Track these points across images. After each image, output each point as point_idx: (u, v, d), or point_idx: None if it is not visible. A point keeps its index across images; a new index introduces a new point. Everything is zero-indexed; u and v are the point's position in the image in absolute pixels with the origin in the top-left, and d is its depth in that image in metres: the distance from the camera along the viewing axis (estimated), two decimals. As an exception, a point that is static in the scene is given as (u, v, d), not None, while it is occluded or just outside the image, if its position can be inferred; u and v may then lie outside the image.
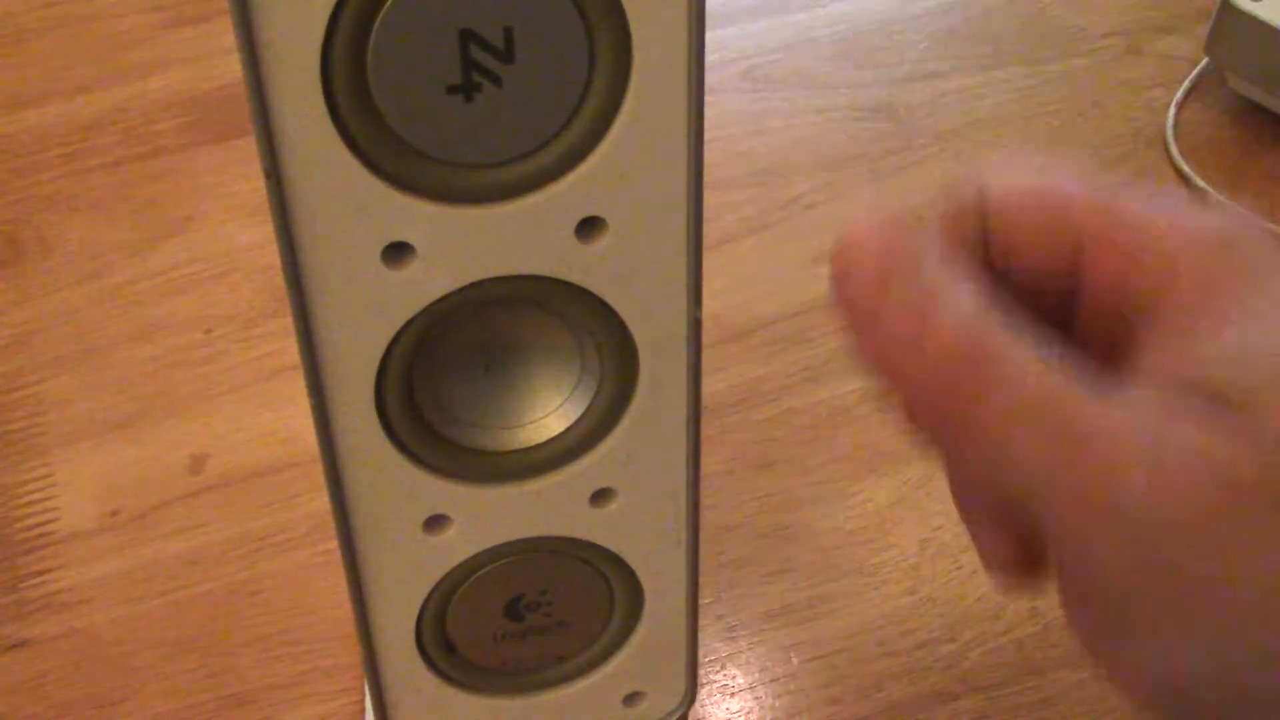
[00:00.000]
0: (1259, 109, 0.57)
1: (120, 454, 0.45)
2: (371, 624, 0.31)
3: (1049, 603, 0.40)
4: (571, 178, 0.25)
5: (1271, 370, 0.21)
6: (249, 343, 0.48)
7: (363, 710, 0.39)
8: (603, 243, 0.26)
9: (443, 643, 0.33)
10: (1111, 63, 0.60)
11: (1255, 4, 0.53)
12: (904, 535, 0.43)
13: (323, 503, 0.29)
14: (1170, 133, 0.56)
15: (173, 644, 0.40)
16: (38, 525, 0.43)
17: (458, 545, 0.30)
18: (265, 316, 0.49)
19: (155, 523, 0.43)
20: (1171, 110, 0.57)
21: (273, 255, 0.25)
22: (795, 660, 0.40)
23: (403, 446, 0.28)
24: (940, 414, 0.22)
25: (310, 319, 0.25)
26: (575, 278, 0.26)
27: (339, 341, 0.26)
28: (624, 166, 0.25)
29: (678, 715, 0.36)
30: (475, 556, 0.31)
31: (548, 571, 0.32)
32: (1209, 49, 0.57)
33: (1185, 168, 0.55)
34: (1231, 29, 0.55)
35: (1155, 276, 0.23)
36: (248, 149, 0.55)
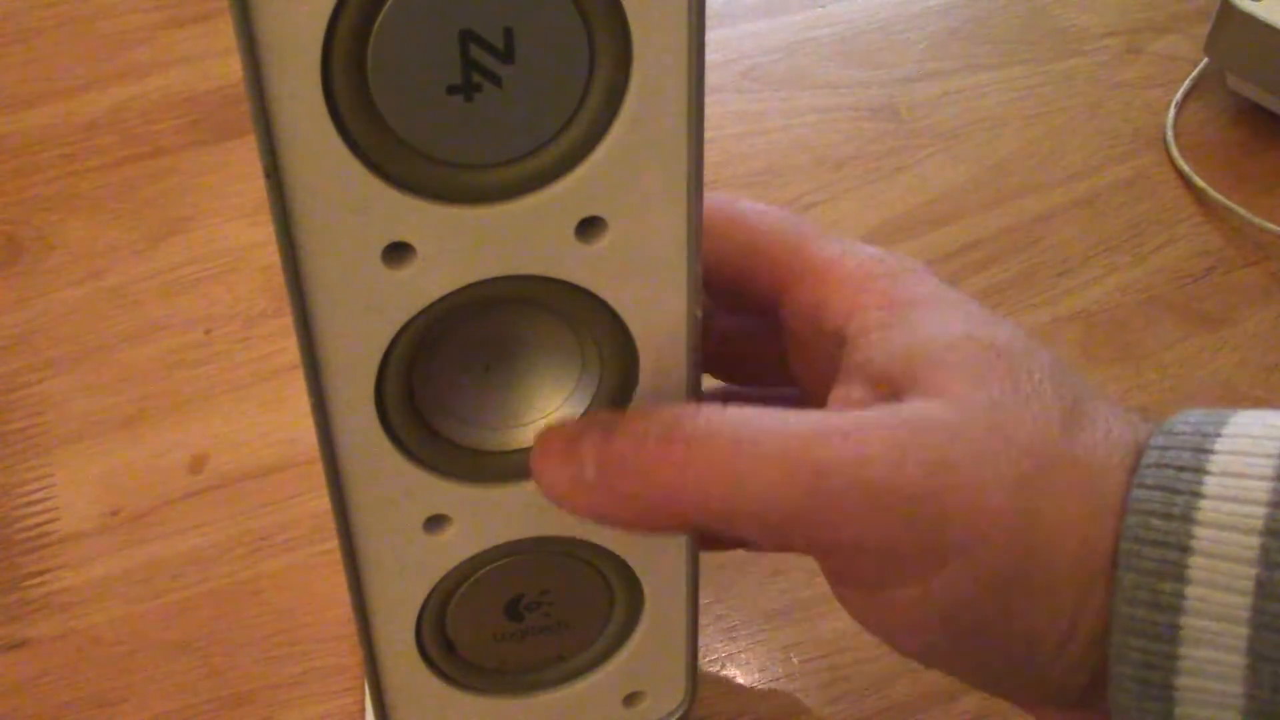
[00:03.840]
0: (1259, 109, 0.57)
1: (120, 454, 0.45)
2: (371, 624, 0.31)
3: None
4: (571, 178, 0.25)
5: (930, 352, 0.26)
6: (249, 343, 0.48)
7: (363, 710, 0.39)
8: (603, 243, 0.26)
9: (443, 643, 0.33)
10: (1111, 63, 0.60)
11: (1255, 4, 0.53)
12: (904, 535, 0.43)
13: (323, 503, 0.29)
14: (1170, 133, 0.56)
15: (173, 644, 0.40)
16: (38, 525, 0.43)
17: (458, 545, 0.30)
18: (265, 316, 0.49)
19: (155, 523, 0.43)
20: (1171, 110, 0.57)
21: (273, 255, 0.25)
22: (795, 660, 0.40)
23: (403, 446, 0.28)
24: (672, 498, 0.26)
25: (310, 319, 0.25)
26: (575, 278, 0.26)
27: (339, 341, 0.26)
28: (624, 166, 0.25)
29: (678, 715, 0.36)
30: (475, 556, 0.31)
31: (548, 571, 0.32)
32: (1209, 49, 0.57)
33: (1185, 168, 0.55)
34: (1231, 29, 0.55)
35: (844, 308, 0.28)
36: (248, 149, 0.55)
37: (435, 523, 0.30)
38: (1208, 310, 0.50)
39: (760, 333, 0.32)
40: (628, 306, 0.27)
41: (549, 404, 0.29)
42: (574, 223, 0.25)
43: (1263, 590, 0.23)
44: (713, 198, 0.28)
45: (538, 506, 0.30)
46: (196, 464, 0.45)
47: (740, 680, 0.40)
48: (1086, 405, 0.26)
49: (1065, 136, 0.57)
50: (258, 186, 0.24)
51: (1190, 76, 0.59)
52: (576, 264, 0.26)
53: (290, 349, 0.26)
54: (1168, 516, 0.24)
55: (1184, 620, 0.24)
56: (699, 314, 0.28)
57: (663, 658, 0.35)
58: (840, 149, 0.56)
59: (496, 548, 0.31)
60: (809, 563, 0.28)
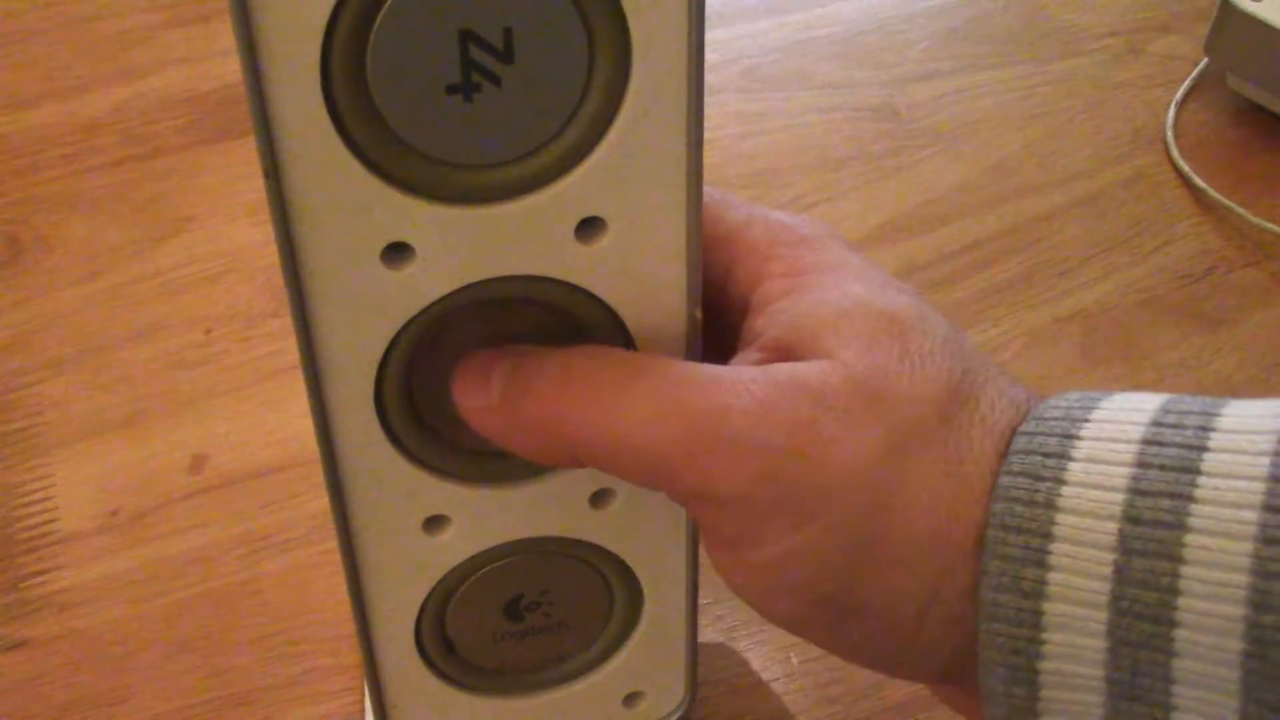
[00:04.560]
0: (1259, 109, 0.57)
1: (120, 454, 0.45)
2: (371, 624, 0.31)
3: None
4: (571, 178, 0.25)
5: (823, 318, 0.27)
6: (249, 343, 0.48)
7: (363, 710, 0.39)
8: (603, 243, 0.26)
9: (442, 643, 0.33)
10: (1111, 63, 0.60)
11: (1255, 4, 0.53)
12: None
13: (323, 503, 0.29)
14: (1170, 133, 0.56)
15: (173, 644, 0.40)
16: (38, 525, 0.43)
17: (458, 545, 0.30)
18: (265, 316, 0.49)
19: (155, 523, 0.43)
20: (1171, 110, 0.57)
21: (273, 255, 0.25)
22: (795, 660, 0.40)
23: (402, 446, 0.28)
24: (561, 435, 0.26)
25: (310, 319, 0.25)
26: (575, 278, 0.26)
27: (339, 341, 0.26)
28: (624, 166, 0.25)
29: (678, 715, 0.36)
30: (475, 556, 0.31)
31: (548, 571, 0.32)
32: (1209, 49, 0.57)
33: (1185, 168, 0.55)
34: (1231, 29, 0.55)
35: (750, 276, 0.29)
36: (248, 149, 0.55)
37: (435, 523, 0.30)
38: (1208, 310, 0.50)
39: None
40: (627, 306, 0.27)
41: None
42: (574, 223, 0.25)
43: (1120, 576, 0.23)
44: None
45: (538, 507, 0.30)
46: (196, 464, 0.45)
47: (740, 680, 0.40)
48: (974, 383, 0.26)
49: (1065, 136, 0.57)
50: (258, 186, 0.24)
51: (1190, 76, 0.59)
52: (576, 264, 0.26)
53: (290, 349, 0.26)
54: (1031, 503, 0.24)
55: (1046, 606, 0.24)
56: (698, 314, 0.28)
57: (663, 658, 0.35)
58: (840, 149, 0.56)
59: (496, 548, 0.31)
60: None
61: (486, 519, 0.30)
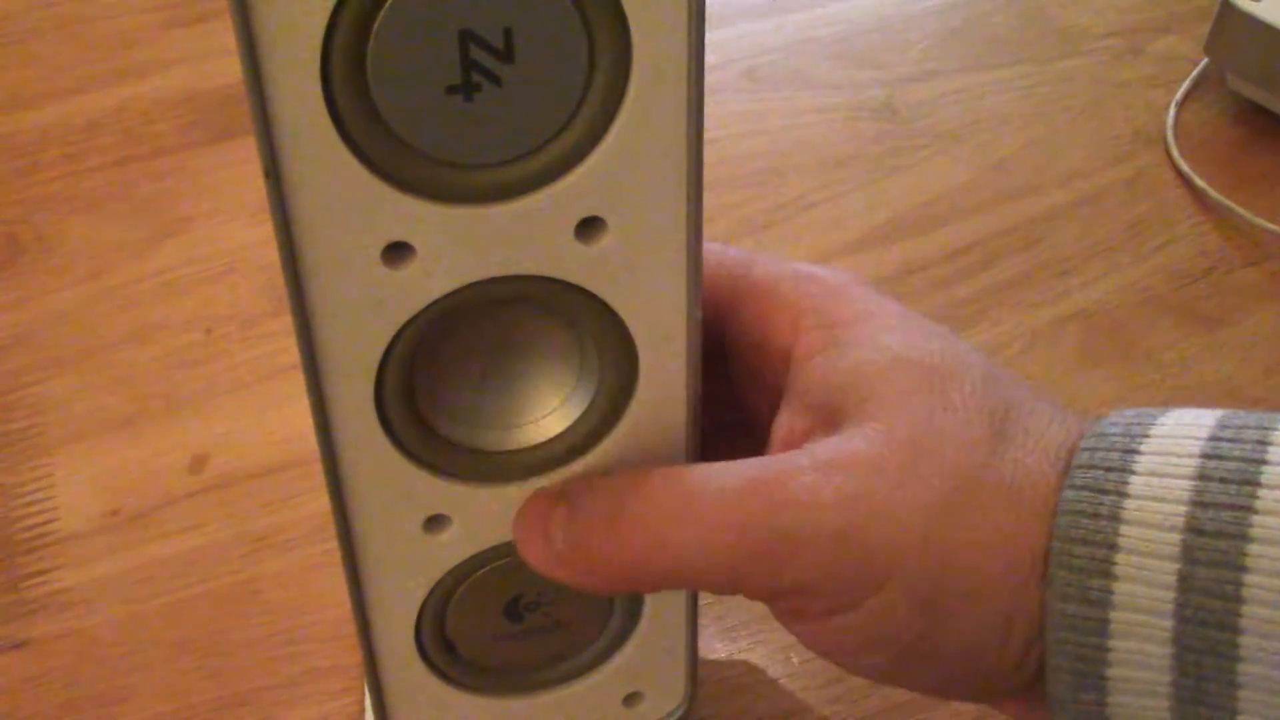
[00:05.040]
0: (1259, 109, 0.57)
1: (120, 454, 0.45)
2: (371, 623, 0.31)
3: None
4: (571, 177, 0.25)
5: (863, 377, 0.27)
6: (249, 343, 0.48)
7: (362, 711, 0.39)
8: (603, 243, 0.26)
9: (443, 643, 0.33)
10: (1111, 63, 0.60)
11: (1255, 4, 0.53)
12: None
13: (323, 503, 0.29)
14: (1170, 133, 0.56)
15: (173, 644, 0.40)
16: (38, 525, 0.43)
17: (458, 545, 0.30)
18: (265, 316, 0.49)
19: (155, 523, 0.43)
20: (1171, 110, 0.57)
21: (273, 255, 0.25)
22: (795, 660, 0.40)
23: (403, 446, 0.28)
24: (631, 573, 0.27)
25: (310, 318, 0.25)
26: (575, 278, 0.26)
27: (339, 340, 0.26)
28: (624, 166, 0.25)
29: (677, 715, 0.36)
30: (475, 556, 0.31)
31: None
32: (1209, 49, 0.57)
33: (1185, 168, 0.55)
34: (1231, 29, 0.55)
35: (786, 329, 0.29)
36: (248, 149, 0.55)
37: (435, 523, 0.30)
38: (1207, 310, 0.50)
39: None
40: (627, 307, 0.27)
41: (549, 404, 0.29)
42: (574, 223, 0.25)
43: (1185, 584, 0.24)
44: None
45: None
46: (196, 464, 0.45)
47: (740, 680, 0.40)
48: (1019, 414, 0.27)
49: (1065, 136, 0.57)
50: (258, 186, 0.24)
51: (1190, 76, 0.59)
52: (576, 264, 0.26)
53: (290, 349, 0.26)
54: (1095, 516, 0.25)
55: (1113, 614, 0.25)
56: (699, 315, 0.28)
57: (662, 658, 0.35)
58: (840, 149, 0.56)
59: (496, 547, 0.31)
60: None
61: (486, 518, 0.30)
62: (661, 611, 0.33)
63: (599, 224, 0.26)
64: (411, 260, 0.25)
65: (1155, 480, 0.25)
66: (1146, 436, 0.26)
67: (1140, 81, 0.59)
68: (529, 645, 0.33)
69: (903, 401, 0.27)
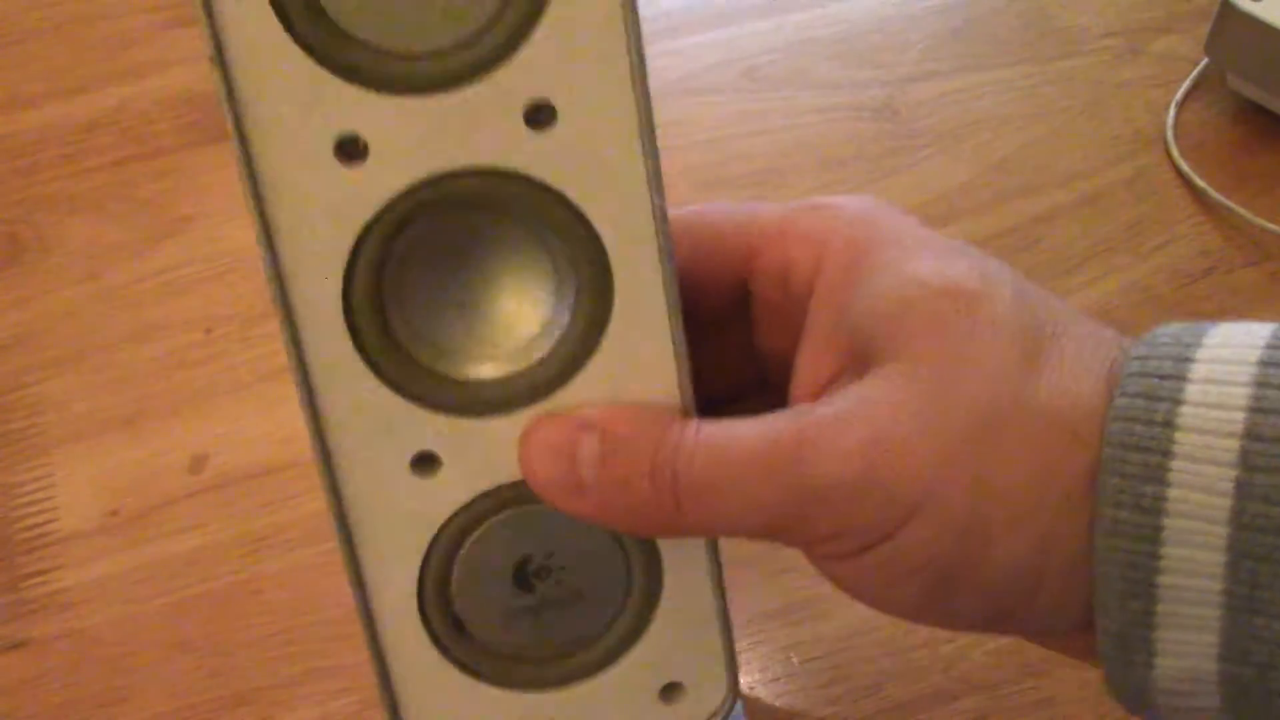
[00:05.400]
0: (1259, 109, 0.57)
1: (120, 454, 0.45)
2: (370, 591, 0.30)
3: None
4: (514, 61, 0.25)
5: (886, 312, 0.27)
6: (249, 343, 0.48)
7: (362, 711, 0.39)
8: (555, 130, 0.26)
9: (451, 620, 0.31)
10: (1111, 63, 0.60)
11: (1255, 4, 0.53)
12: (904, 535, 0.43)
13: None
14: (1170, 133, 0.56)
15: (173, 644, 0.40)
16: (38, 525, 0.43)
17: (451, 489, 0.30)
18: (265, 316, 0.49)
19: (155, 523, 0.43)
20: (1171, 110, 0.57)
21: (273, 255, 0.25)
22: (795, 660, 0.40)
23: (379, 371, 0.28)
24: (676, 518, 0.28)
25: (271, 224, 0.26)
26: (530, 169, 0.27)
27: (300, 247, 0.26)
28: (563, 47, 0.26)
29: (723, 713, 0.34)
30: (471, 504, 0.30)
31: (553, 530, 0.31)
32: (1209, 49, 0.57)
33: (1185, 168, 0.55)
34: (1231, 29, 0.55)
35: (809, 263, 0.29)
36: (248, 149, 0.54)
37: (424, 462, 0.29)
38: (1207, 310, 0.50)
39: (721, 339, 0.32)
40: (588, 199, 0.27)
41: (528, 329, 0.29)
42: (521, 107, 0.26)
43: (1242, 491, 0.24)
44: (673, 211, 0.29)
45: None
46: (196, 464, 0.45)
47: (740, 680, 0.40)
48: (1056, 330, 0.27)
49: (1065, 136, 0.57)
50: (258, 186, 0.24)
51: (1190, 76, 0.59)
52: (530, 154, 0.26)
53: (290, 349, 0.26)
54: (1149, 423, 0.25)
55: (1166, 521, 0.24)
56: (663, 204, 0.28)
57: (695, 640, 0.33)
58: (840, 149, 0.56)
59: (492, 491, 0.30)
60: (809, 564, 0.28)
61: (477, 458, 0.29)
62: (683, 582, 0.32)
63: (548, 110, 0.26)
64: (365, 157, 0.26)
65: (1212, 387, 0.25)
66: (1200, 345, 0.26)
67: (1140, 81, 0.59)
68: (545, 624, 0.32)
69: (928, 333, 0.26)
